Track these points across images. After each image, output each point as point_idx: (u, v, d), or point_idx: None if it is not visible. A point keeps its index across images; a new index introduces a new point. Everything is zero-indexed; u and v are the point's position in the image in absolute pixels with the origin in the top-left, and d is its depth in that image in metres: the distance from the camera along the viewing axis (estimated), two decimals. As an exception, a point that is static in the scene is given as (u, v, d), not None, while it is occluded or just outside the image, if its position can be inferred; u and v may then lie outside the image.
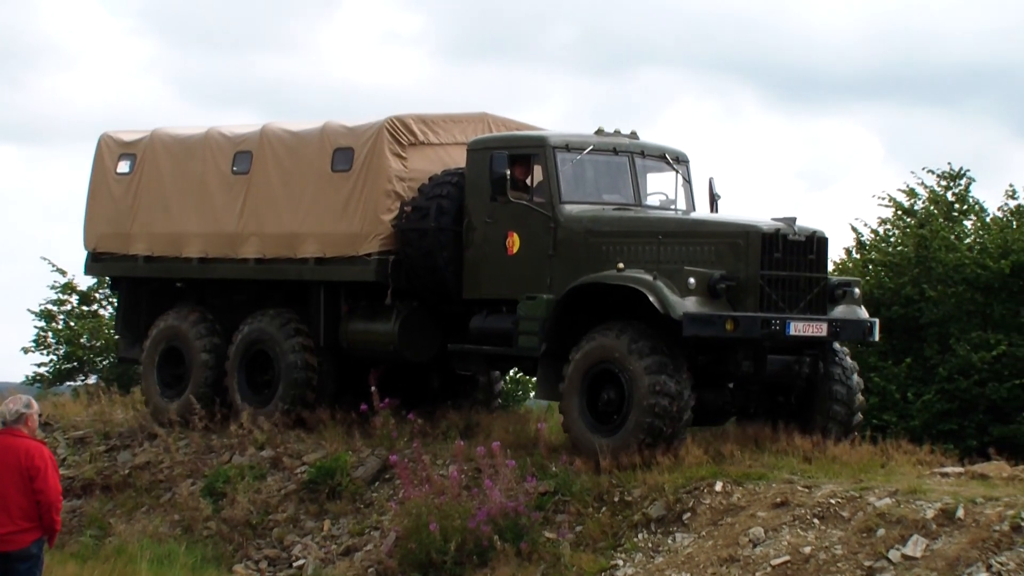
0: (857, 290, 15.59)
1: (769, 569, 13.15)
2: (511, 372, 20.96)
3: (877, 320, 15.91)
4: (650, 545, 14.29)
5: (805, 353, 15.25)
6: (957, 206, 25.04)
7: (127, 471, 18.75)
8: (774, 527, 13.71)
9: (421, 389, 18.53)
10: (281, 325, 17.82)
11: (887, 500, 13.60)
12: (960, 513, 13.01)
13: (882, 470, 15.82)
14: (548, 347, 15.14)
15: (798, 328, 14.52)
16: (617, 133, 16.47)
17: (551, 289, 15.34)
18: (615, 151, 16.29)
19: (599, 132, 16.42)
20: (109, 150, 19.96)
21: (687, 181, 16.94)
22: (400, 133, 17.02)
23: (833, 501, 13.80)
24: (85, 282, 30.94)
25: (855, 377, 15.59)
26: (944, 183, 25.84)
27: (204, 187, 18.75)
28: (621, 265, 14.68)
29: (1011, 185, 25.57)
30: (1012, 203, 25.24)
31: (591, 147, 16.09)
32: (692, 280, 14.23)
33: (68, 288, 31.20)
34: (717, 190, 17.13)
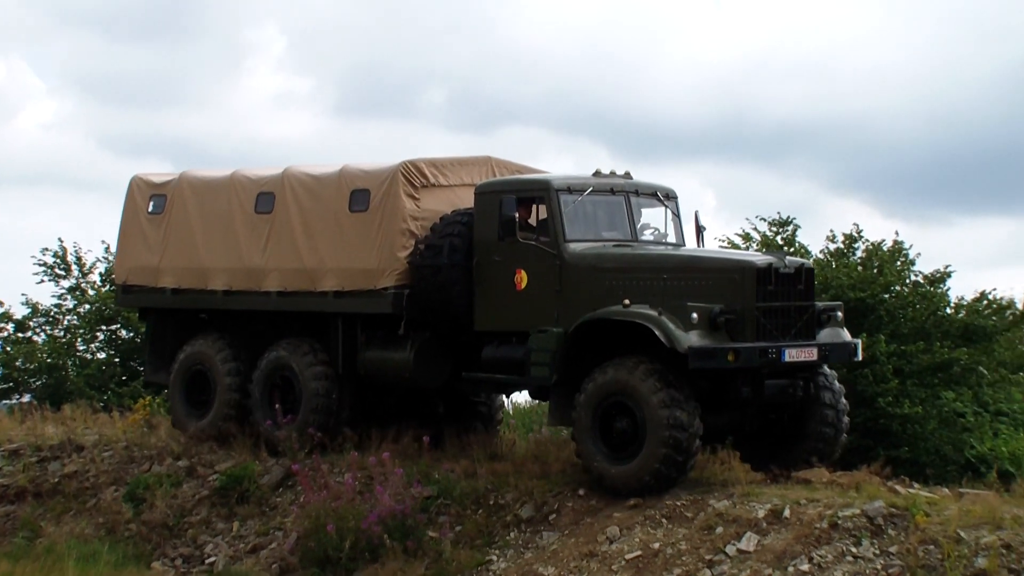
0: (840, 313, 15.03)
1: (624, 563, 13.21)
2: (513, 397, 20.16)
3: (860, 341, 15.49)
4: (521, 542, 14.30)
5: (798, 376, 14.76)
6: (786, 248, 25.43)
7: (56, 479, 18.38)
8: (628, 526, 13.78)
9: (428, 413, 18.06)
10: (303, 354, 17.22)
11: (725, 502, 13.73)
12: (787, 513, 13.17)
13: (722, 476, 16.01)
14: (559, 377, 14.62)
15: (792, 355, 14.03)
16: (613, 174, 15.98)
17: (558, 322, 14.79)
18: (612, 191, 15.70)
19: (597, 174, 15.86)
20: (140, 191, 19.39)
21: (676, 216, 16.36)
22: (413, 176, 16.49)
23: (679, 503, 13.89)
24: (20, 311, 30.49)
25: (842, 400, 15.08)
26: (774, 229, 26.28)
27: (229, 225, 18.15)
28: (627, 301, 14.09)
29: (831, 230, 26.10)
30: (832, 246, 25.78)
31: (591, 188, 15.50)
32: (695, 315, 13.67)
33: (4, 317, 30.62)
34: (702, 222, 16.67)
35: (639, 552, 13.27)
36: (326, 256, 17.01)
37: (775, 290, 14.06)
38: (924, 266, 25.83)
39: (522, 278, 15.30)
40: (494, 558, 14.14)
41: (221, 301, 18.26)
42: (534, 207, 15.57)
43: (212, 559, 15.77)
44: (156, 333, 19.65)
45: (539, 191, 15.46)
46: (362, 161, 17.28)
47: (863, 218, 71.39)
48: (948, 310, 24.87)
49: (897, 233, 36.50)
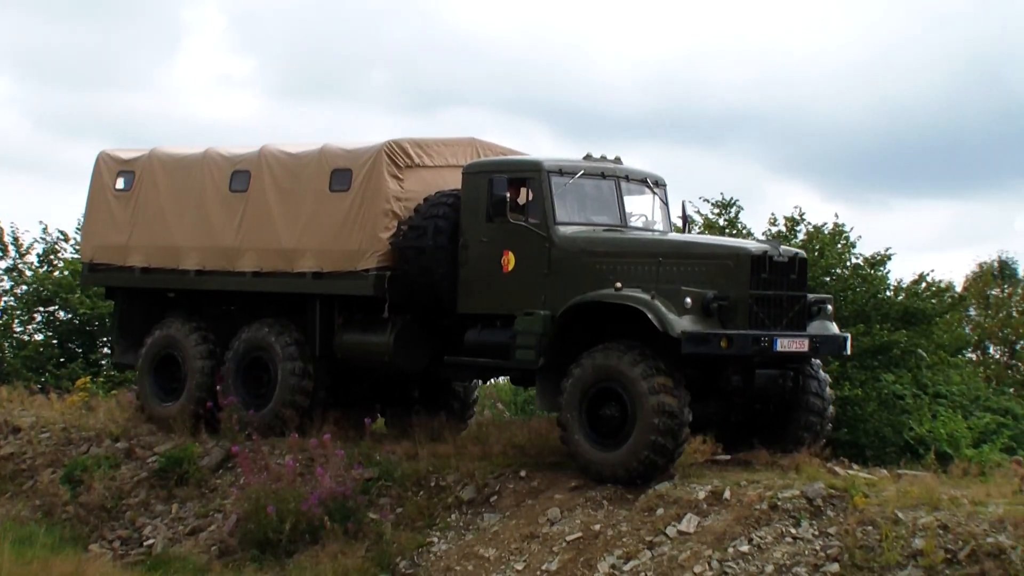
0: (830, 307, 14.92)
1: (565, 544, 13.27)
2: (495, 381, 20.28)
3: (849, 335, 15.35)
4: (462, 524, 14.33)
5: (788, 367, 14.68)
6: (728, 230, 25.53)
7: (-8, 462, 18.23)
8: (569, 508, 13.84)
9: (402, 398, 17.98)
10: (278, 335, 16.94)
11: (666, 484, 13.80)
12: (727, 495, 13.27)
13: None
14: (547, 361, 14.34)
15: (784, 344, 13.84)
16: (603, 159, 15.79)
17: (545, 305, 14.54)
18: (603, 175, 15.50)
19: (587, 157, 15.70)
20: (107, 167, 19.00)
21: (664, 203, 16.21)
22: (397, 156, 16.21)
23: (620, 486, 13.94)
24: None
25: (828, 391, 15.01)
26: (717, 211, 26.37)
27: (202, 204, 17.81)
28: (619, 284, 13.84)
29: (773, 213, 26.22)
30: (774, 229, 25.91)
31: (582, 171, 15.29)
32: (688, 300, 13.49)
33: None
34: (690, 211, 16.43)
35: (580, 534, 13.33)
36: (304, 236, 16.77)
37: (769, 278, 13.92)
38: (864, 249, 26.05)
39: (509, 260, 15.10)
40: (435, 540, 14.16)
41: (193, 281, 17.96)
42: (522, 189, 15.33)
43: (151, 541, 15.69)
44: (124, 313, 19.31)
45: (530, 172, 15.23)
46: (343, 140, 17.03)
47: (804, 201, 71.93)
48: (888, 293, 25.07)
49: (837, 216, 36.74)
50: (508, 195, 14.99)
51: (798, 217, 25.83)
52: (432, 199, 16.02)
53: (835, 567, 11.78)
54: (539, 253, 14.85)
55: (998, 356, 35.04)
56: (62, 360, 29.05)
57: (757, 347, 13.63)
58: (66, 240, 30.66)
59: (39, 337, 30.04)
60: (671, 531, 12.99)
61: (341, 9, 60.03)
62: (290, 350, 16.77)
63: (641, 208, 15.84)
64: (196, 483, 16.38)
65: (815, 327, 14.49)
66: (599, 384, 13.78)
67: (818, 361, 14.97)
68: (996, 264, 51.21)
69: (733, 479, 13.77)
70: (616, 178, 15.60)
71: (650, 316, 13.42)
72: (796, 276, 14.21)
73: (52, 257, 30.67)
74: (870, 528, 11.99)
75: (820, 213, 66.89)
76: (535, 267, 14.88)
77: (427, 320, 16.18)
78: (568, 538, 13.33)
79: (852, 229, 25.59)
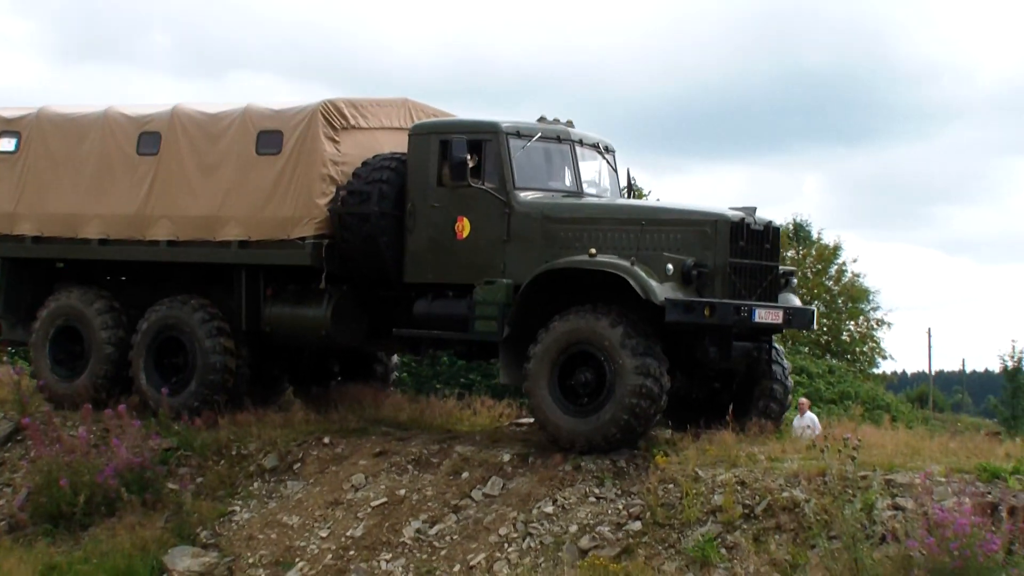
0: (794, 280, 14.57)
1: (370, 510, 13.38)
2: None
3: (815, 309, 15.11)
4: (264, 492, 14.33)
5: (761, 340, 14.18)
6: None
7: None
8: (374, 474, 13.95)
9: (322, 371, 17.39)
10: (195, 310, 15.89)
11: (471, 448, 14.02)
12: (532, 458, 13.51)
13: (468, 423, 16.30)
14: (511, 331, 13.64)
15: (762, 315, 13.39)
16: (556, 122, 15.08)
17: (505, 274, 13.93)
18: (559, 139, 14.84)
19: (542, 120, 14.98)
20: None
21: (614, 169, 15.68)
22: (333, 117, 15.29)
23: (425, 450, 14.11)
24: None
25: (790, 380, 14.64)
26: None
27: (104, 168, 16.59)
28: (593, 251, 13.25)
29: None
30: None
31: (539, 134, 14.59)
32: (670, 266, 13.01)
33: None
34: (634, 179, 16.00)
35: (385, 499, 13.45)
36: (228, 203, 15.77)
37: (745, 247, 13.50)
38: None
39: (464, 227, 14.39)
40: (237, 509, 14.12)
41: (96, 251, 16.75)
42: (482, 153, 14.50)
43: (-66, 519, 15.24)
44: (10, 286, 17.84)
45: (487, 134, 14.45)
46: (269, 100, 16.17)
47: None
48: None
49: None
50: (468, 158, 14.24)
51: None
52: (372, 163, 15.21)
53: (637, 525, 12.08)
54: (497, 219, 14.18)
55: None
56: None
57: (737, 316, 13.18)
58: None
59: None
60: (476, 494, 13.19)
61: (120, -33, 58.69)
62: (210, 326, 15.83)
63: (590, 173, 15.33)
64: (-16, 457, 15.98)
65: (783, 299, 14.15)
66: (572, 348, 13.21)
67: (779, 347, 14.69)
68: (791, 226, 52.92)
69: (537, 442, 14.02)
70: (571, 142, 15.04)
71: (632, 283, 12.90)
72: (770, 245, 13.85)
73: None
74: (671, 486, 12.33)
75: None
76: (493, 234, 14.22)
77: (365, 291, 15.52)
78: (373, 504, 13.43)
79: (650, 192, 26.16)
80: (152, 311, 16.22)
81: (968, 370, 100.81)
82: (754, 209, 13.73)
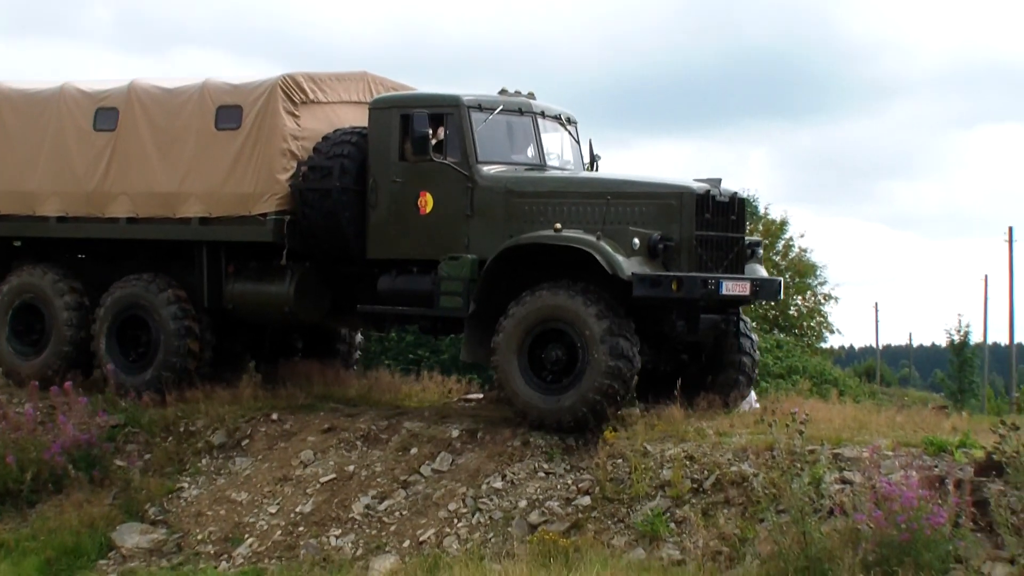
0: (760, 250, 14.46)
1: (318, 486, 13.38)
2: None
3: (782, 280, 14.58)
4: (213, 468, 14.30)
5: (728, 312, 14.15)
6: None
7: None
8: (323, 450, 13.96)
9: (285, 348, 17.29)
10: (159, 289, 15.70)
11: (420, 423, 14.04)
12: (480, 433, 13.54)
13: (416, 399, 16.31)
14: (476, 307, 13.55)
15: (729, 287, 13.30)
16: (517, 94, 14.91)
17: (468, 249, 13.80)
18: (520, 111, 14.67)
19: (503, 92, 14.79)
20: None
21: (576, 141, 15.51)
22: (293, 91, 15.11)
23: (374, 426, 14.12)
24: None
25: (757, 352, 14.59)
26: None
27: (60, 144, 16.37)
28: (558, 225, 13.17)
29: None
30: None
31: (501, 107, 14.44)
32: (636, 241, 12.89)
33: None
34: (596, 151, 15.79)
35: (334, 475, 13.46)
36: (187, 179, 15.58)
37: (711, 219, 13.37)
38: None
39: (427, 202, 14.24)
40: (185, 485, 14.10)
41: (55, 228, 16.55)
42: (443, 127, 14.40)
43: None
44: None
45: (448, 107, 14.32)
46: (224, 75, 15.98)
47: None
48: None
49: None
50: (430, 132, 14.08)
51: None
52: (333, 137, 15.08)
53: (586, 500, 12.15)
54: (460, 194, 14.05)
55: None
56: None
57: (704, 290, 13.11)
58: None
59: None
60: (425, 470, 13.21)
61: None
62: (173, 308, 15.65)
63: (553, 146, 15.20)
64: (-73, 435, 15.80)
65: (749, 271, 14.09)
66: (543, 325, 13.13)
67: (746, 319, 14.65)
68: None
69: (486, 417, 14.06)
70: (533, 115, 14.90)
71: (598, 258, 12.81)
72: (736, 217, 13.72)
73: None
74: (620, 461, 12.39)
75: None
76: (456, 209, 14.10)
77: (327, 267, 15.41)
78: (322, 479, 13.43)
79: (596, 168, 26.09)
80: (113, 289, 16.05)
81: (915, 344, 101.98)
82: (719, 181, 13.61)
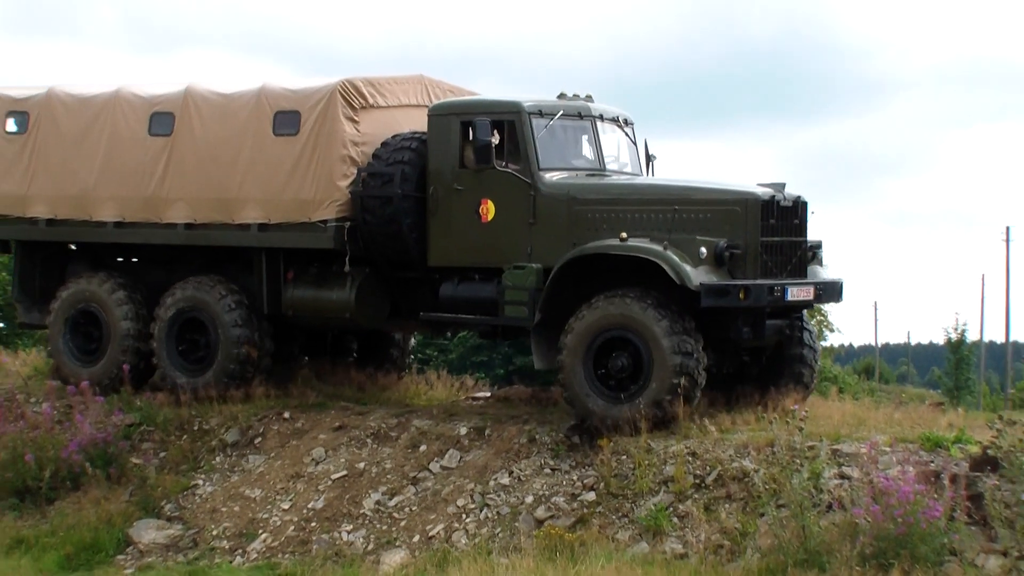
0: (822, 252, 14.14)
1: (330, 483, 13.57)
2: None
3: (843, 280, 14.50)
4: (227, 466, 14.48)
5: (791, 316, 14.00)
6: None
7: None
8: (334, 447, 14.14)
9: (341, 351, 17.32)
10: (220, 295, 15.60)
11: (428, 421, 14.22)
12: (488, 431, 13.73)
13: (425, 397, 16.49)
14: (542, 316, 13.33)
15: (794, 293, 13.17)
16: (576, 97, 14.69)
17: (531, 258, 13.62)
18: (580, 115, 14.44)
19: (561, 96, 14.58)
20: None
21: (634, 143, 15.24)
22: (352, 96, 14.90)
23: (384, 424, 14.30)
24: None
25: (817, 343, 14.41)
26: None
27: (115, 149, 16.19)
28: (624, 235, 12.98)
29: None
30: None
31: (561, 112, 14.20)
32: (703, 249, 12.71)
33: None
34: (652, 151, 15.56)
35: (345, 472, 13.65)
36: (245, 185, 15.42)
37: (776, 224, 13.22)
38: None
39: (489, 209, 14.02)
40: (200, 482, 14.27)
41: (113, 234, 16.38)
42: (505, 134, 14.14)
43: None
44: (24, 268, 17.50)
45: (510, 114, 14.06)
46: (284, 80, 15.86)
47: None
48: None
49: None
50: (493, 140, 13.89)
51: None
52: (392, 143, 14.87)
53: (591, 495, 12.30)
54: (523, 202, 13.82)
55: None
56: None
57: (771, 297, 13.00)
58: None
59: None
60: (434, 466, 13.40)
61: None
62: (235, 315, 15.57)
63: (611, 148, 14.92)
64: (-54, 434, 16.01)
65: (811, 273, 13.90)
66: (607, 333, 12.95)
67: (808, 318, 14.47)
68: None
69: (493, 415, 14.26)
70: (592, 118, 14.64)
71: (666, 268, 12.65)
72: (799, 221, 13.54)
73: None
74: (624, 457, 12.52)
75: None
76: (518, 217, 13.87)
77: (386, 273, 15.24)
78: (333, 476, 13.63)
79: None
80: (173, 294, 15.95)
81: (913, 342, 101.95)
82: (783, 185, 13.45)
